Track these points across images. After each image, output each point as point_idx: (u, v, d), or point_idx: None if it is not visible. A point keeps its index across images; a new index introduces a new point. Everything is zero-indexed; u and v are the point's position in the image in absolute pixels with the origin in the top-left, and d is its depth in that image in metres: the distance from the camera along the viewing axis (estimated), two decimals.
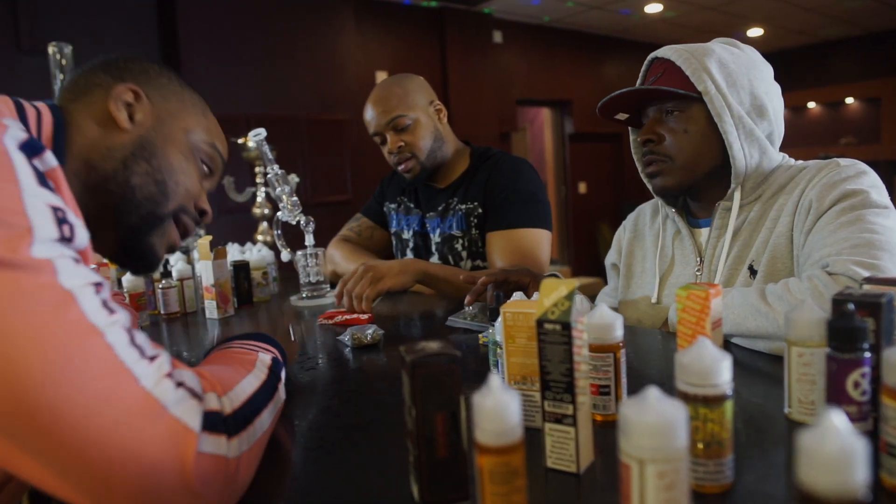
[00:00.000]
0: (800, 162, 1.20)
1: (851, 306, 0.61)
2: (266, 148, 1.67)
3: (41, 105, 0.77)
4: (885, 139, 7.71)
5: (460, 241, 1.69)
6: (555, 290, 0.62)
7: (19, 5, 3.72)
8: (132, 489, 0.50)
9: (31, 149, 0.57)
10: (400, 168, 1.71)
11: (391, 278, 1.42)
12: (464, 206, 1.69)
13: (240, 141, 2.55)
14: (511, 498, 0.48)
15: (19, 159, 0.55)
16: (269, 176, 1.64)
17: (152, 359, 0.55)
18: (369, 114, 1.69)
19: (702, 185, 1.20)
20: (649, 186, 1.26)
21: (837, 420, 0.37)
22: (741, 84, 1.15)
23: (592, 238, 7.66)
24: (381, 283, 1.40)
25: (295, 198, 1.64)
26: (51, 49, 2.14)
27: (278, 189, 1.63)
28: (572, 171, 7.49)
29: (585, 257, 7.59)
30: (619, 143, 7.91)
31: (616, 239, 1.47)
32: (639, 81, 1.28)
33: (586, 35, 7.34)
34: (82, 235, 0.57)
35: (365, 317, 1.35)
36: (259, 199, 2.62)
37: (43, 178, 0.56)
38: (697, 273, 1.23)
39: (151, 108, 0.84)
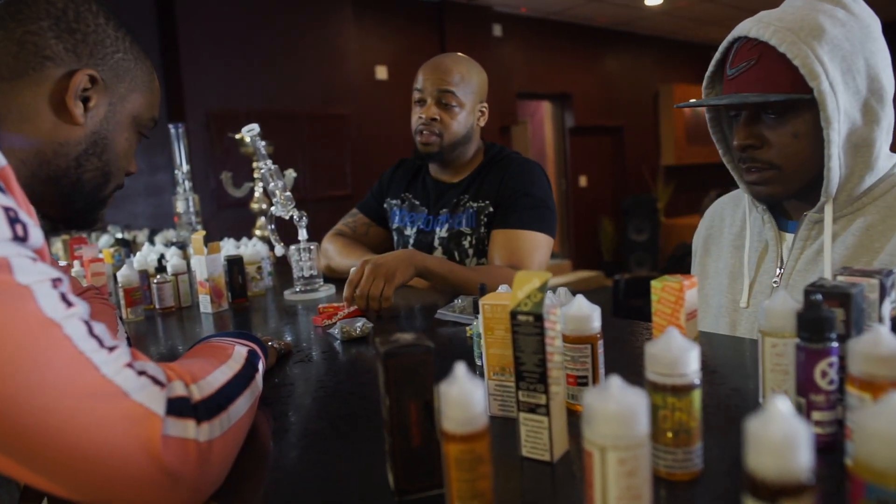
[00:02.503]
0: None
1: (819, 297, 0.62)
2: (259, 143, 1.68)
3: None
4: None
5: (468, 238, 1.69)
6: (528, 283, 0.63)
7: None
8: (102, 475, 0.51)
9: None
10: (420, 137, 1.69)
11: (401, 273, 1.40)
12: (475, 204, 1.70)
13: (236, 137, 2.56)
14: (476, 484, 0.49)
15: None
16: (262, 171, 1.65)
17: (111, 349, 0.56)
18: (426, 72, 1.68)
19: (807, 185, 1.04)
20: (747, 191, 1.10)
21: (782, 406, 0.38)
22: (857, 67, 0.96)
23: (593, 231, 7.66)
24: (395, 280, 1.38)
25: (288, 193, 1.65)
26: None
27: (272, 184, 1.64)
28: (573, 165, 7.49)
29: (586, 251, 7.59)
30: (619, 136, 7.90)
31: (693, 242, 1.32)
32: (716, 58, 1.09)
33: (586, 28, 7.32)
34: (36, 234, 0.58)
35: (354, 308, 1.36)
36: (257, 195, 2.63)
37: None
38: (774, 284, 1.09)
39: (105, 93, 0.81)
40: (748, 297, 1.11)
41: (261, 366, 0.82)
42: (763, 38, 0.97)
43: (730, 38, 1.05)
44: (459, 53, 1.75)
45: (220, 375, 0.68)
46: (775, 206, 1.13)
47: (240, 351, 0.77)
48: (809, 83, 0.94)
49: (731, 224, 1.21)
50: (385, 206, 1.90)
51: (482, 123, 1.76)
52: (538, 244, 1.62)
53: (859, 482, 0.42)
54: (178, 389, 0.58)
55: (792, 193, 1.05)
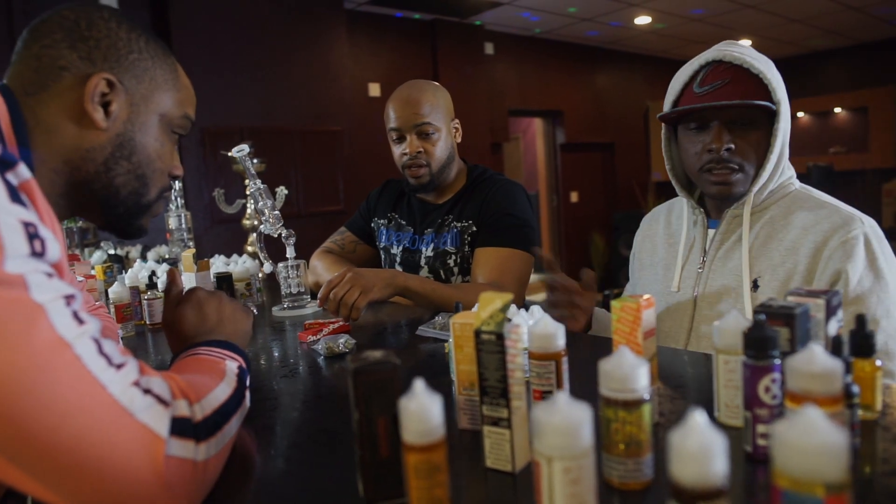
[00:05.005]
0: (815, 193, 1.25)
1: (762, 317, 0.67)
2: (248, 163, 1.72)
3: None
4: (873, 148, 7.79)
5: (453, 257, 1.74)
6: (491, 303, 0.67)
7: (15, 21, 3.78)
8: (106, 492, 0.55)
9: (2, 164, 0.59)
10: (409, 172, 1.74)
11: (379, 290, 1.44)
12: (459, 224, 1.74)
13: (228, 154, 2.60)
14: (433, 491, 0.53)
15: None
16: (251, 190, 1.69)
17: (119, 367, 0.58)
18: (397, 109, 1.71)
19: None
20: (708, 189, 1.26)
21: (700, 418, 0.42)
22: (783, 96, 1.20)
23: (584, 247, 7.71)
24: (371, 294, 1.42)
25: (277, 212, 1.69)
26: None
27: (261, 203, 1.69)
28: (564, 181, 7.56)
29: (577, 266, 7.56)
30: (610, 152, 7.98)
31: (634, 242, 1.55)
32: (683, 81, 1.25)
33: (577, 46, 7.42)
34: (54, 249, 0.60)
35: (339, 325, 1.40)
36: (249, 211, 2.68)
37: (15, 193, 0.58)
38: (699, 270, 1.29)
39: (126, 96, 0.80)
40: (678, 282, 1.33)
41: (247, 382, 0.83)
42: (737, 62, 1.19)
43: (701, 62, 1.24)
44: (419, 80, 1.79)
45: (220, 394, 0.70)
46: (701, 205, 1.36)
47: (231, 367, 0.79)
48: (776, 97, 1.18)
49: (665, 225, 1.44)
50: (373, 225, 1.95)
51: (458, 140, 1.81)
52: (521, 261, 1.67)
53: (777, 490, 0.46)
54: (182, 409, 0.61)
55: (744, 193, 1.24)
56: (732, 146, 1.20)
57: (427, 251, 1.77)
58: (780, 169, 1.24)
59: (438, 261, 1.75)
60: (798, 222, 1.19)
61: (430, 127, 1.70)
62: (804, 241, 1.17)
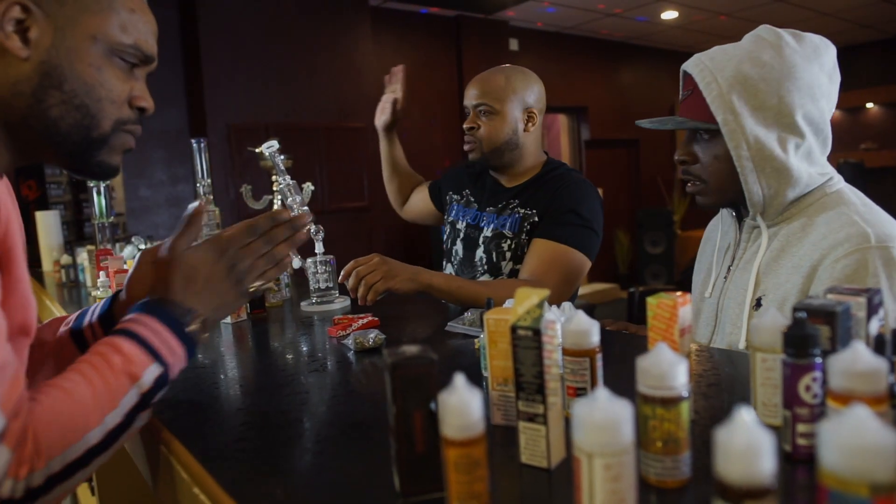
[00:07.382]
0: (846, 197, 1.14)
1: (804, 314, 0.66)
2: (278, 159, 1.74)
3: None
4: None
5: (509, 241, 1.73)
6: (527, 299, 0.67)
7: None
8: None
9: None
10: (466, 146, 1.80)
11: (402, 282, 1.46)
12: (522, 211, 1.73)
13: (256, 151, 2.63)
14: (473, 486, 0.53)
15: None
16: (281, 186, 1.71)
17: None
18: (470, 88, 1.79)
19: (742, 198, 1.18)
20: None
21: (747, 416, 0.42)
22: (769, 105, 1.10)
23: (609, 244, 7.66)
24: (393, 282, 1.44)
25: (306, 207, 1.70)
26: None
27: (290, 199, 1.70)
28: (588, 177, 7.46)
29: (601, 263, 7.59)
30: (635, 149, 7.92)
31: None
32: (681, 89, 1.26)
33: (602, 42, 7.37)
34: None
35: (368, 320, 1.41)
36: (276, 207, 2.70)
37: None
38: (725, 279, 1.27)
39: (46, 20, 0.74)
40: (711, 289, 1.30)
41: (162, 391, 0.77)
42: (693, 74, 1.16)
43: (682, 69, 1.23)
44: (506, 65, 1.81)
45: (93, 437, 0.67)
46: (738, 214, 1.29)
47: (147, 378, 0.74)
48: (716, 116, 1.11)
49: (717, 229, 1.40)
50: (446, 198, 2.00)
51: (530, 129, 1.76)
52: (577, 262, 1.62)
53: (824, 489, 0.45)
54: (8, 489, 0.57)
55: (724, 204, 1.25)
56: (682, 158, 1.21)
57: (486, 231, 1.78)
58: (786, 182, 1.13)
59: (493, 243, 1.75)
60: (811, 237, 1.11)
61: (484, 108, 1.73)
62: (808, 258, 1.10)
